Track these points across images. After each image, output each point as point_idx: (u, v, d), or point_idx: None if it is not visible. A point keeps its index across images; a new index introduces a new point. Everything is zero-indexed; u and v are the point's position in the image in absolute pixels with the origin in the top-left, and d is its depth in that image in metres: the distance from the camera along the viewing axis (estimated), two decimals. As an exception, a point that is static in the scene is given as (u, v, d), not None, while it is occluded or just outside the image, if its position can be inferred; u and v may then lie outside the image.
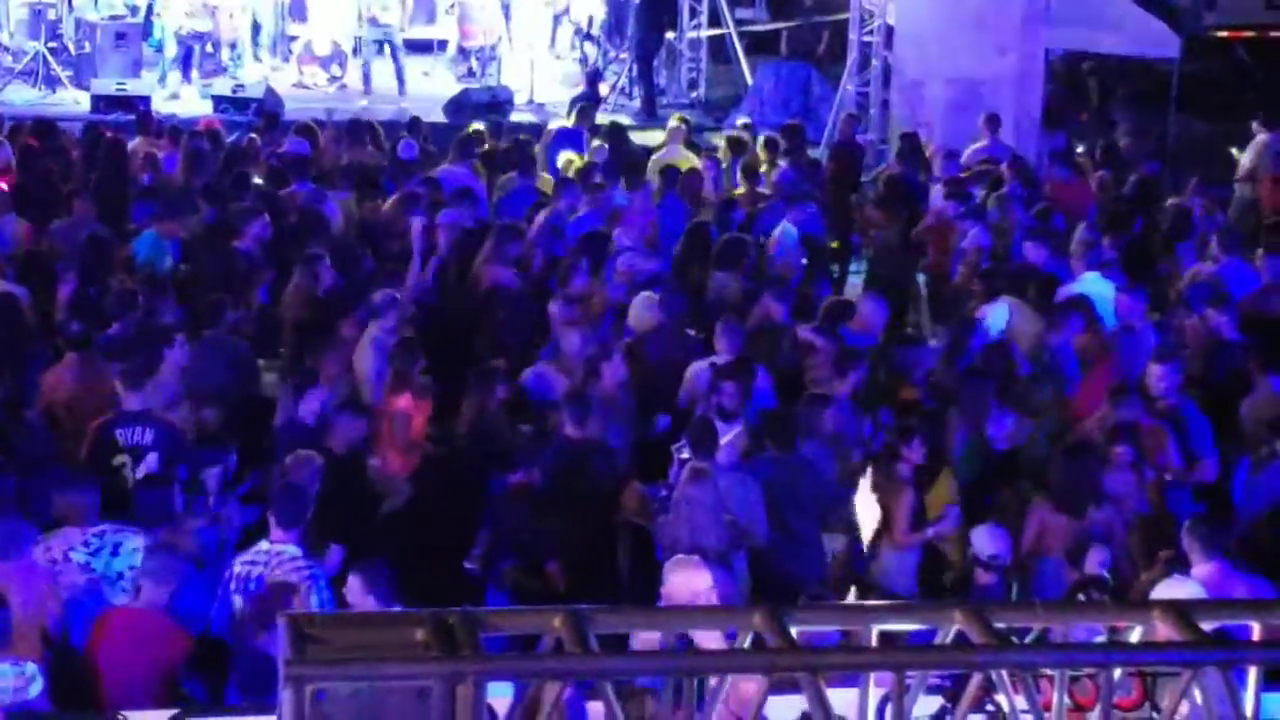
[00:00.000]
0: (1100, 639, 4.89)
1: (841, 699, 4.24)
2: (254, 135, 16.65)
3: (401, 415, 10.38)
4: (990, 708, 5.43)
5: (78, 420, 10.00)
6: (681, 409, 10.77)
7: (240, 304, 11.53)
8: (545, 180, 15.49)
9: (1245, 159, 17.52)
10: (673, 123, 17.63)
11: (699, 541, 8.72)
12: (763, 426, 10.01)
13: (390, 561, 7.97)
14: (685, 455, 9.55)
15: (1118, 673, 4.46)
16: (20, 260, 12.54)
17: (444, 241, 12.90)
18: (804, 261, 13.48)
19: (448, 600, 6.31)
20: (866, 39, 20.99)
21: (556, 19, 24.39)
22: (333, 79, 22.45)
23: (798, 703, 4.27)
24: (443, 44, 23.88)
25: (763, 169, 15.93)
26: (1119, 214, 14.61)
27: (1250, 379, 10.76)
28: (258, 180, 14.63)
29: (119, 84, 20.63)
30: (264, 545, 8.35)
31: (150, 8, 22.81)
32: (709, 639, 5.28)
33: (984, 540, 8.93)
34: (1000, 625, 4.34)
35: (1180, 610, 4.37)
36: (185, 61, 22.05)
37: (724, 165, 16.25)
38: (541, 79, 22.90)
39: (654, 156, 16.64)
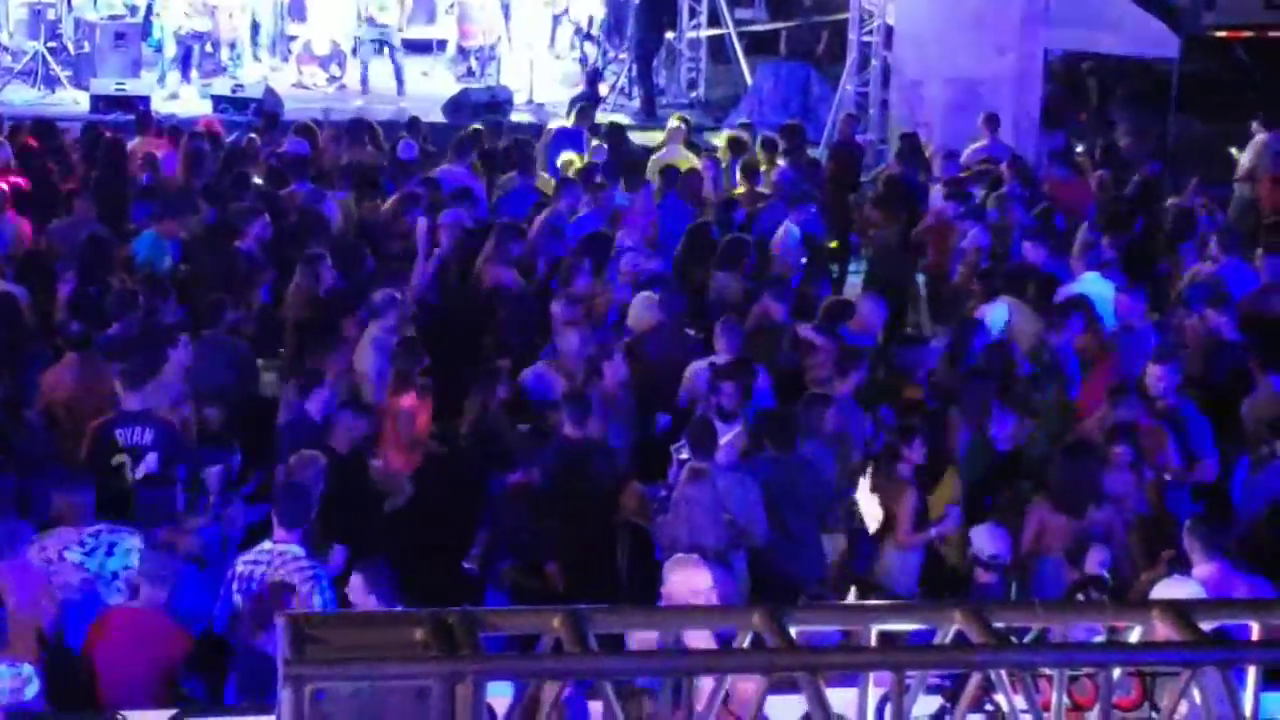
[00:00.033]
0: (1099, 639, 4.90)
1: (841, 698, 4.25)
2: (253, 135, 16.65)
3: (405, 414, 10.38)
4: (989, 707, 5.43)
5: (77, 420, 10.00)
6: (681, 408, 10.78)
7: (241, 304, 11.52)
8: (545, 180, 15.49)
9: (1244, 159, 17.53)
10: (672, 123, 17.63)
11: (698, 541, 8.72)
12: (762, 426, 10.01)
13: (392, 561, 7.97)
14: (684, 455, 9.55)
15: (1117, 672, 4.47)
16: (19, 260, 12.53)
17: (445, 241, 12.90)
18: (803, 261, 13.48)
19: (447, 600, 6.31)
20: (866, 39, 20.98)
21: (556, 19, 24.39)
22: (332, 79, 22.44)
23: (798, 703, 4.27)
24: (442, 44, 23.87)
25: (762, 169, 15.93)
26: (1119, 214, 14.61)
27: (1250, 378, 10.75)
28: (257, 180, 14.63)
29: (118, 84, 20.62)
30: (267, 545, 8.34)
31: (149, 7, 22.80)
32: (698, 638, 5.27)
33: (984, 540, 8.94)
34: (999, 625, 4.35)
35: (1179, 610, 4.37)
36: (184, 61, 22.05)
37: (724, 165, 16.25)
38: (541, 79, 22.90)
39: (654, 156, 16.64)
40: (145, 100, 19.88)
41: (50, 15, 22.11)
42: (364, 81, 22.33)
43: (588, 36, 24.34)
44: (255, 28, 23.27)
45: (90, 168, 15.10)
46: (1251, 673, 4.35)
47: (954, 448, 10.13)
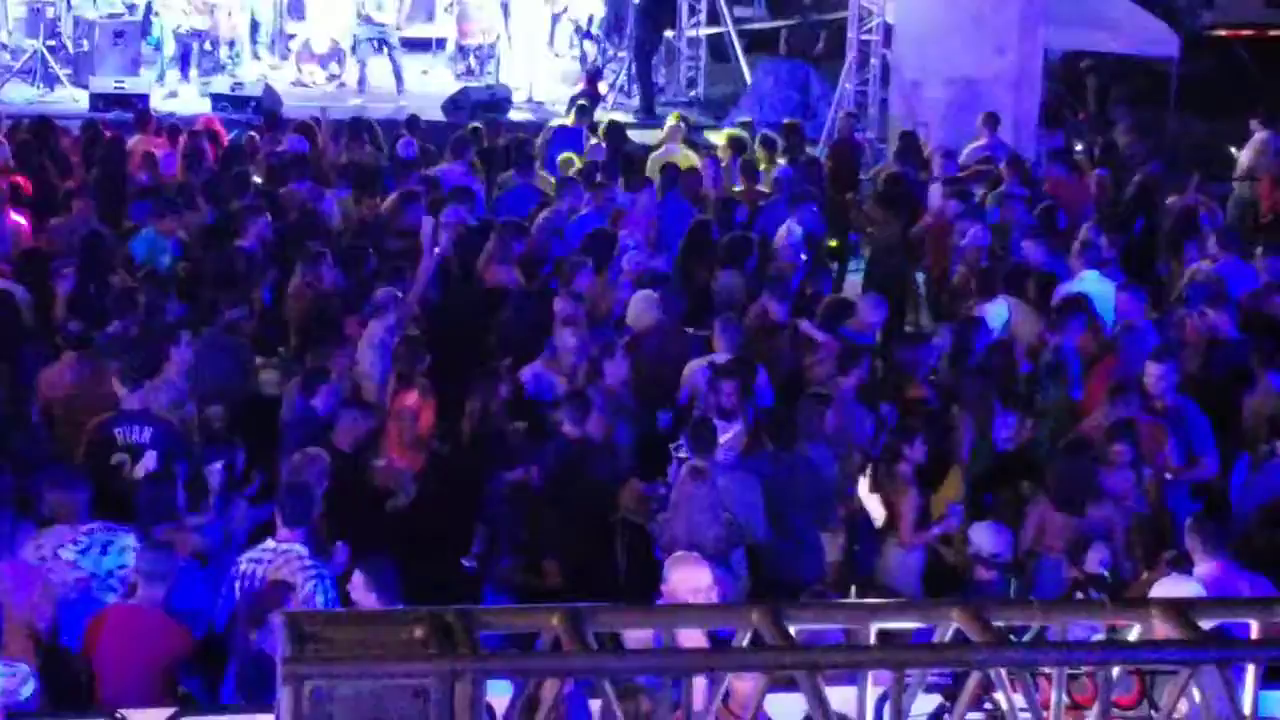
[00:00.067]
0: (1098, 637, 4.90)
1: (840, 697, 4.25)
2: (253, 134, 16.65)
3: (409, 414, 10.37)
4: (989, 706, 5.42)
5: (75, 419, 9.99)
6: (681, 407, 10.78)
7: (242, 302, 11.51)
8: (544, 179, 15.49)
9: (1244, 157, 17.55)
10: (671, 121, 17.64)
11: (697, 540, 8.71)
12: (762, 425, 10.01)
13: (396, 559, 7.97)
14: (684, 454, 9.55)
15: (1116, 671, 4.47)
16: (18, 258, 12.52)
17: (445, 240, 12.90)
18: (804, 258, 13.49)
19: (446, 598, 6.31)
20: (865, 38, 20.99)
21: (555, 17, 24.40)
22: (331, 77, 22.43)
23: (798, 702, 4.27)
24: (441, 42, 23.88)
25: (762, 167, 15.93)
26: (1118, 213, 14.62)
27: (1250, 376, 10.75)
28: (257, 179, 14.63)
29: (117, 82, 20.61)
30: (270, 544, 8.32)
31: (149, 6, 22.80)
32: (694, 635, 5.27)
33: (986, 538, 8.93)
34: (999, 623, 4.35)
35: (1178, 609, 4.37)
36: (184, 59, 22.06)
37: (723, 164, 16.25)
38: (540, 77, 22.91)
39: (653, 155, 16.64)
40: (144, 98, 19.87)
41: (50, 13, 22.09)
42: (362, 80, 22.33)
43: (587, 35, 24.35)
44: (254, 26, 23.28)
45: (89, 166, 15.10)
46: (1250, 671, 4.35)
47: (958, 447, 10.12)
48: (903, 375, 11.09)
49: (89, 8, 22.07)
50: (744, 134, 17.36)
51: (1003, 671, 4.29)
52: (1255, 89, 21.66)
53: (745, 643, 4.38)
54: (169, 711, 7.24)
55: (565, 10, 24.36)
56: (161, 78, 21.74)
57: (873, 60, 20.91)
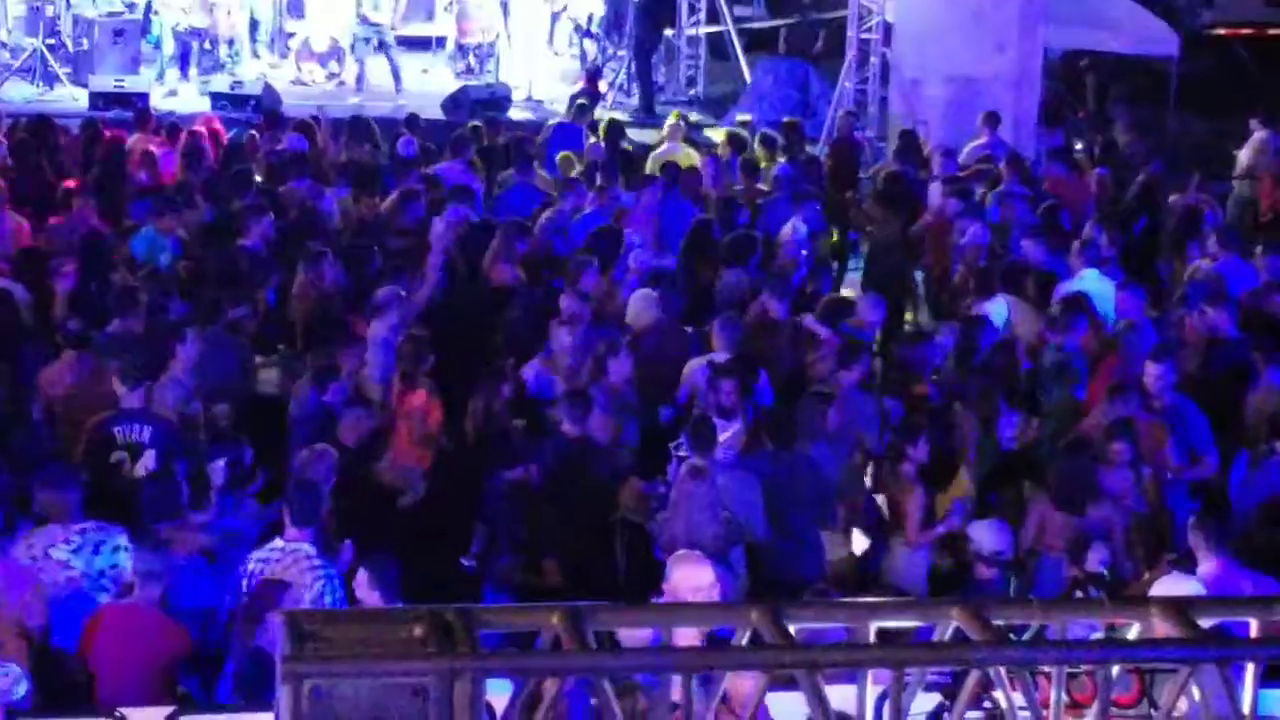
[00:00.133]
0: (1098, 636, 4.90)
1: (840, 696, 4.24)
2: (253, 132, 16.65)
3: (417, 412, 10.37)
4: (988, 705, 5.42)
5: (75, 418, 9.99)
6: (681, 405, 10.78)
7: (246, 301, 11.51)
8: (543, 178, 15.49)
9: (1243, 156, 17.55)
10: (671, 120, 17.64)
11: (696, 539, 8.71)
12: (762, 424, 10.00)
13: (400, 557, 7.98)
14: (683, 453, 9.55)
15: (1115, 670, 4.46)
16: (17, 257, 12.52)
17: (449, 239, 12.89)
18: (804, 254, 13.50)
19: (445, 597, 6.31)
20: (865, 36, 20.99)
21: (555, 16, 24.42)
22: (331, 76, 22.44)
23: (798, 701, 4.27)
24: (441, 41, 23.88)
25: (762, 166, 15.93)
26: (1119, 211, 14.61)
27: (1252, 373, 10.75)
28: (257, 177, 14.63)
29: (117, 81, 20.62)
30: (279, 543, 8.30)
31: (148, 4, 22.81)
32: (690, 633, 5.27)
33: (988, 536, 8.92)
34: (998, 622, 4.34)
35: (1178, 607, 4.37)
36: (183, 58, 22.07)
37: (723, 162, 16.26)
38: (540, 76, 22.92)
39: (653, 153, 16.64)
40: (144, 97, 19.88)
41: (49, 12, 22.11)
42: (360, 79, 22.34)
43: (587, 33, 24.36)
44: (254, 25, 23.29)
45: (89, 165, 15.09)
46: (1250, 670, 4.34)
47: (965, 446, 10.11)
48: (907, 373, 11.08)
49: (88, 6, 22.08)
50: (744, 132, 17.37)
51: (1002, 670, 4.28)
52: (1255, 88, 21.67)
53: (745, 641, 4.38)
54: (168, 710, 7.23)
55: (565, 9, 24.38)
56: (161, 76, 21.75)
57: (872, 59, 20.92)
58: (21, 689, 7.16)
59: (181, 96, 21.28)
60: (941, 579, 9.49)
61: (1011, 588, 9.07)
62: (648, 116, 21.60)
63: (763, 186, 15.35)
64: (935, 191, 14.89)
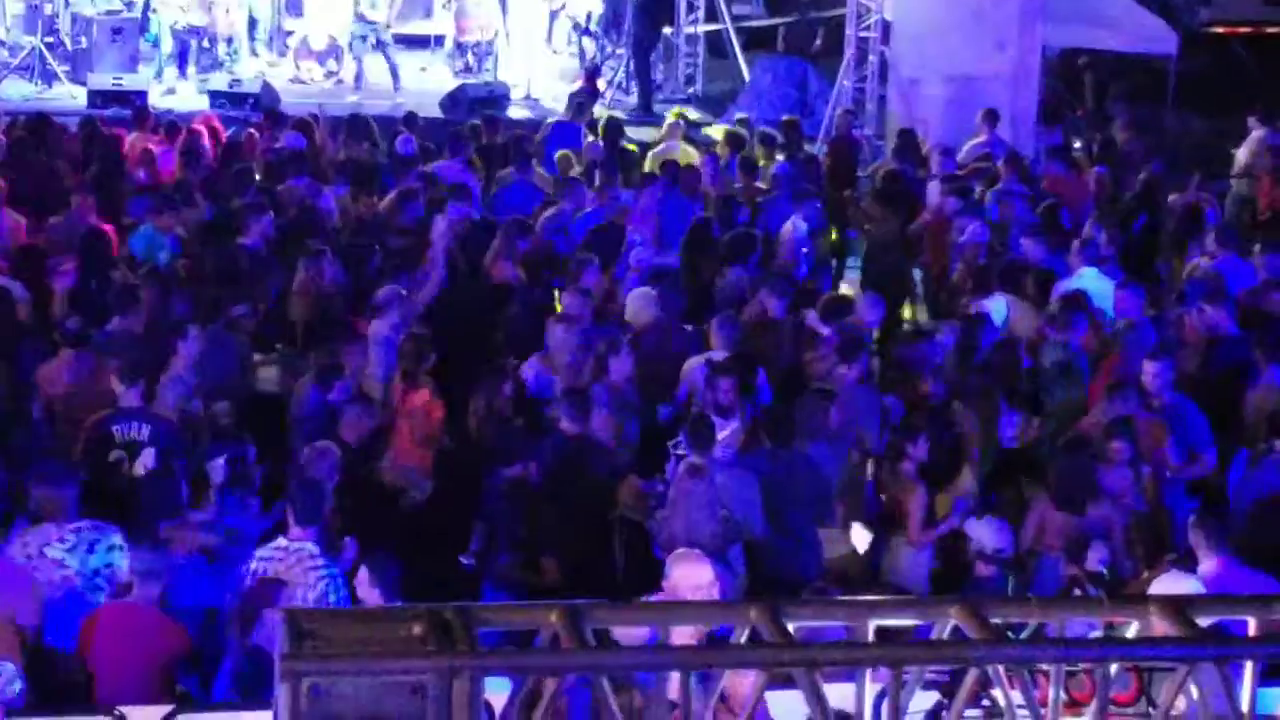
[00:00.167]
0: (1096, 634, 4.89)
1: (839, 694, 4.24)
2: (252, 131, 16.65)
3: (420, 411, 10.37)
4: (986, 703, 5.42)
5: (74, 416, 9.99)
6: (681, 404, 10.78)
7: (246, 299, 11.51)
8: (541, 176, 15.49)
9: (1241, 154, 17.54)
10: (670, 118, 17.64)
11: (694, 537, 8.72)
12: (760, 422, 10.00)
13: (402, 556, 7.98)
14: (682, 451, 9.55)
15: (1114, 668, 4.47)
16: (15, 255, 12.52)
17: (450, 237, 12.88)
18: (805, 251, 13.51)
19: (445, 595, 6.31)
20: (863, 35, 21.00)
21: (553, 14, 24.42)
22: (329, 74, 22.44)
23: (799, 702, 4.27)
24: (439, 39, 23.89)
25: (760, 164, 15.93)
26: (1118, 210, 14.61)
27: (1252, 370, 10.75)
28: (256, 176, 14.63)
29: (115, 79, 20.62)
30: (282, 541, 8.30)
31: (147, 3, 22.81)
32: (683, 633, 5.27)
33: (989, 534, 8.92)
34: (997, 620, 4.34)
35: (1176, 606, 4.37)
36: (182, 56, 22.07)
37: (722, 161, 16.26)
38: (538, 74, 22.92)
39: (652, 152, 16.64)
40: (142, 95, 19.88)
41: (48, 10, 22.12)
42: (358, 77, 22.34)
43: (585, 31, 24.37)
44: (252, 23, 23.30)
45: (88, 163, 15.09)
46: (1248, 668, 4.34)
47: (968, 445, 10.10)
48: (908, 372, 11.08)
49: (87, 5, 22.08)
50: (742, 131, 17.36)
51: (1000, 668, 4.28)
52: (1253, 86, 21.67)
53: (743, 640, 4.38)
54: (166, 709, 7.23)
55: (563, 7, 24.38)
56: (159, 75, 21.75)
57: (871, 57, 20.92)
58: (16, 687, 7.16)
59: (180, 95, 21.28)
60: (941, 577, 9.49)
61: (1010, 587, 9.07)
62: (646, 115, 21.60)
63: (761, 185, 15.35)
64: (934, 190, 14.89)
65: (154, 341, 10.53)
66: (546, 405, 10.43)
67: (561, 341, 10.90)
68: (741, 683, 5.85)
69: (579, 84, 20.56)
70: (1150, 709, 4.94)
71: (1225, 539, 8.48)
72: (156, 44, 22.51)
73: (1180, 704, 4.35)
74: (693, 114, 21.41)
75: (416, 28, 24.00)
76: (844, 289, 14.15)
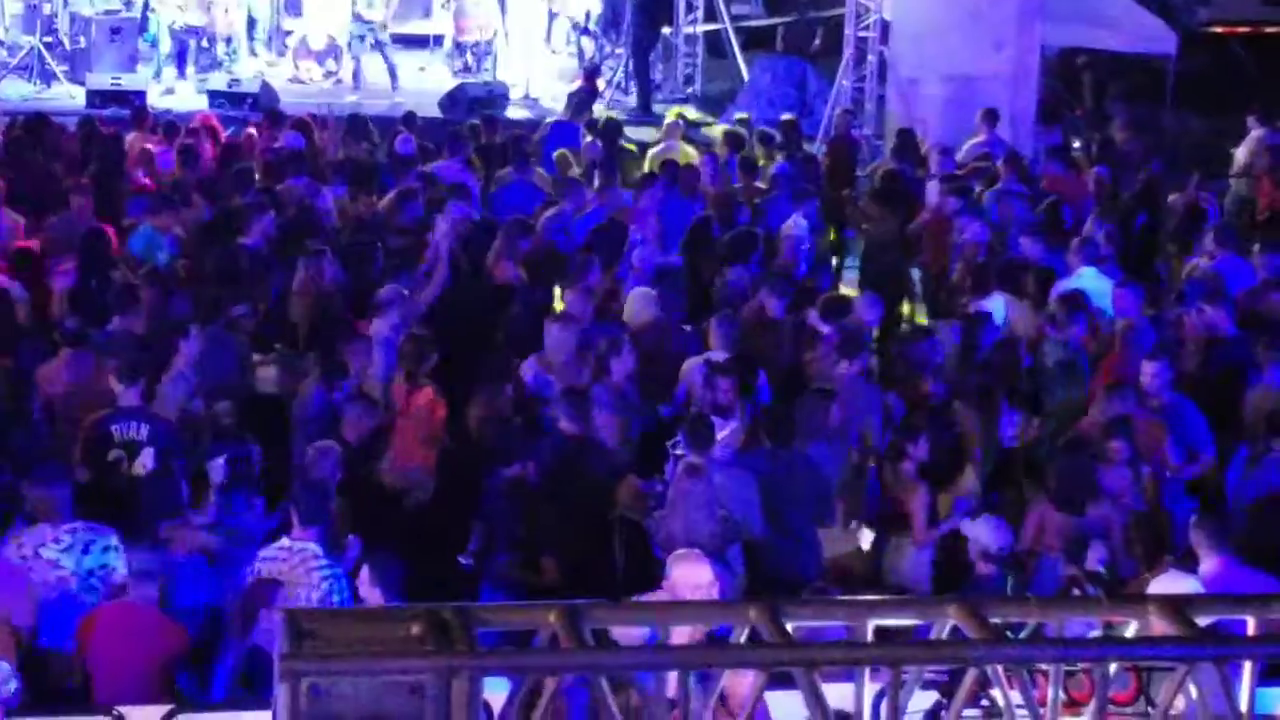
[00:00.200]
0: (1095, 634, 4.89)
1: (838, 694, 4.24)
2: (251, 130, 16.65)
3: (423, 410, 10.36)
4: (985, 703, 5.43)
5: (73, 416, 9.99)
6: (680, 404, 10.77)
7: (246, 299, 11.51)
8: (540, 175, 15.48)
9: (1240, 154, 17.54)
10: (670, 117, 17.63)
11: (693, 537, 8.72)
12: (760, 422, 10.00)
13: (404, 556, 7.97)
14: (681, 451, 9.55)
15: (1113, 668, 4.46)
16: (14, 255, 12.52)
17: (452, 237, 12.87)
18: (805, 248, 13.51)
19: (444, 595, 6.31)
20: (862, 34, 21.00)
21: (552, 14, 24.42)
22: (328, 74, 22.44)
23: (799, 702, 4.27)
24: (439, 39, 23.89)
25: (760, 164, 15.93)
26: (1117, 209, 14.62)
27: (1254, 368, 10.75)
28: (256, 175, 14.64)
29: (114, 79, 20.62)
30: (285, 542, 8.30)
31: (145, 2, 22.81)
32: (682, 632, 5.27)
33: (988, 533, 8.92)
34: (996, 620, 4.34)
35: (1175, 605, 4.37)
36: (180, 56, 22.06)
37: (721, 160, 16.27)
38: (537, 74, 22.92)
39: (652, 151, 16.65)
40: (141, 95, 19.88)
41: (46, 10, 22.12)
42: (356, 76, 22.34)
43: (584, 31, 24.37)
44: (251, 22, 23.30)
45: (86, 163, 15.09)
46: (1247, 668, 4.34)
47: (971, 444, 10.10)
48: (909, 371, 11.07)
49: (85, 4, 22.08)
50: (741, 131, 17.36)
51: (999, 668, 4.28)
52: (1252, 86, 21.67)
53: (743, 639, 4.38)
54: (165, 709, 7.23)
55: (562, 7, 24.37)
56: (158, 74, 21.75)
57: (870, 57, 20.91)
58: (11, 686, 7.16)
59: (179, 95, 21.28)
60: (942, 577, 9.48)
61: (1009, 586, 9.07)
62: (645, 114, 21.60)
63: (760, 185, 15.35)
64: (933, 189, 14.89)
65: (154, 341, 10.52)
66: (545, 405, 10.42)
67: (558, 341, 10.89)
68: (740, 683, 5.85)
69: (578, 84, 20.56)
70: (1149, 708, 4.95)
71: (1227, 539, 8.47)
72: (155, 44, 22.51)
73: (1179, 704, 4.35)
74: (692, 114, 21.42)
75: (415, 27, 24.00)
76: (842, 289, 14.14)
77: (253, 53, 23.08)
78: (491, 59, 22.99)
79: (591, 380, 10.51)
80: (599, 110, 19.49)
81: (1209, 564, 8.33)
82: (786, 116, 18.10)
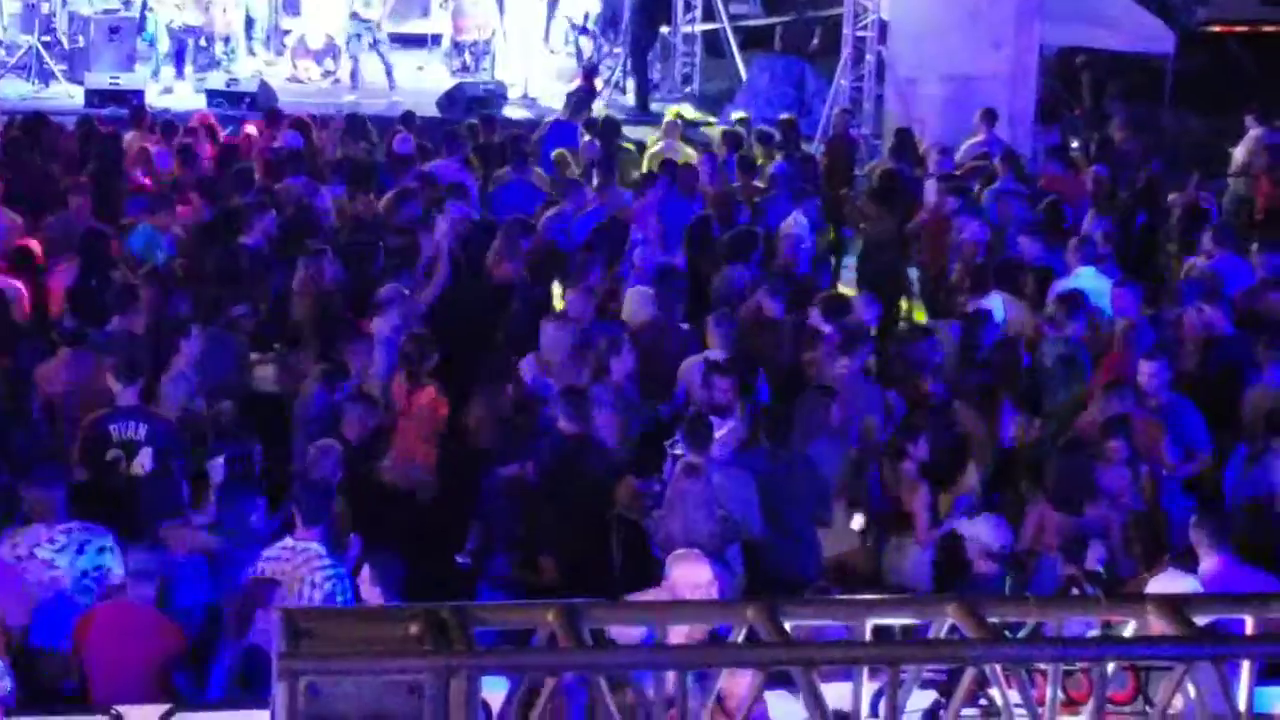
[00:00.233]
0: (1094, 633, 4.90)
1: (836, 693, 4.24)
2: (249, 130, 16.64)
3: (425, 409, 10.36)
4: (984, 702, 5.43)
5: (72, 415, 9.98)
6: (679, 403, 10.77)
7: (247, 299, 11.50)
8: (539, 175, 15.48)
9: (1238, 153, 17.54)
10: (668, 117, 17.63)
11: (691, 537, 8.71)
12: (758, 421, 9.99)
13: (405, 555, 7.98)
14: (679, 451, 9.54)
15: (1111, 667, 4.46)
16: (12, 254, 12.51)
17: (452, 236, 12.87)
18: (806, 247, 13.51)
19: (443, 594, 6.31)
20: (860, 34, 21.00)
21: (551, 13, 24.41)
22: (326, 73, 22.44)
23: (799, 702, 4.27)
24: (437, 38, 23.90)
25: (758, 163, 15.93)
26: (1117, 208, 14.61)
27: (1253, 367, 10.74)
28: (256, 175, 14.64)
29: (113, 78, 20.62)
30: (289, 542, 8.29)
31: (144, 2, 22.80)
32: (681, 630, 5.28)
33: (988, 531, 8.92)
34: (994, 619, 4.34)
35: (1174, 605, 4.37)
36: (179, 56, 22.06)
37: (720, 160, 16.26)
38: (536, 73, 22.92)
39: (650, 151, 16.65)
40: (140, 94, 19.87)
41: (45, 9, 22.11)
42: (354, 76, 22.34)
43: (583, 30, 24.37)
44: (249, 22, 23.29)
45: (85, 162, 15.09)
46: (1246, 667, 4.34)
47: (972, 444, 10.10)
48: (908, 371, 11.07)
49: (84, 3, 22.08)
50: (740, 130, 17.36)
51: (998, 667, 4.28)
52: (1250, 85, 21.68)
53: (741, 639, 4.38)
54: (163, 708, 7.23)
55: (561, 6, 24.37)
56: (157, 74, 21.75)
57: (868, 56, 20.91)
58: (6, 685, 7.16)
59: (177, 94, 21.28)
60: (942, 576, 9.48)
61: (1007, 586, 9.06)
62: (644, 114, 21.61)
63: (759, 184, 15.35)
64: (931, 189, 14.89)
65: (154, 341, 10.51)
66: (543, 404, 10.42)
67: (554, 340, 10.87)
68: (739, 682, 5.85)
69: (576, 83, 20.56)
70: (1147, 708, 4.95)
71: (1226, 538, 8.46)
72: (153, 43, 22.51)
73: (1178, 703, 4.35)
74: (690, 113, 21.42)
75: (414, 27, 24.00)
76: (840, 288, 14.14)
77: (251, 52, 23.08)
78: (490, 58, 23.00)
79: (591, 380, 10.50)
80: (597, 109, 19.48)
81: (1208, 563, 8.32)
82: (785, 116, 18.11)
